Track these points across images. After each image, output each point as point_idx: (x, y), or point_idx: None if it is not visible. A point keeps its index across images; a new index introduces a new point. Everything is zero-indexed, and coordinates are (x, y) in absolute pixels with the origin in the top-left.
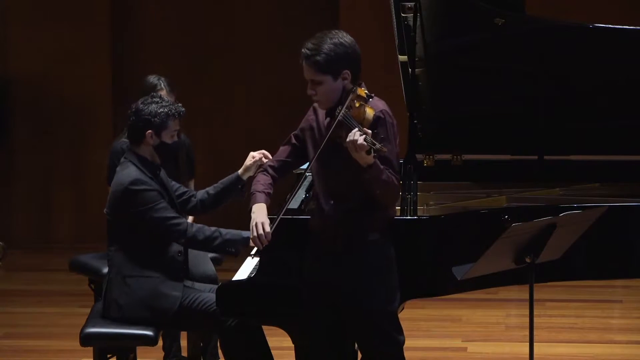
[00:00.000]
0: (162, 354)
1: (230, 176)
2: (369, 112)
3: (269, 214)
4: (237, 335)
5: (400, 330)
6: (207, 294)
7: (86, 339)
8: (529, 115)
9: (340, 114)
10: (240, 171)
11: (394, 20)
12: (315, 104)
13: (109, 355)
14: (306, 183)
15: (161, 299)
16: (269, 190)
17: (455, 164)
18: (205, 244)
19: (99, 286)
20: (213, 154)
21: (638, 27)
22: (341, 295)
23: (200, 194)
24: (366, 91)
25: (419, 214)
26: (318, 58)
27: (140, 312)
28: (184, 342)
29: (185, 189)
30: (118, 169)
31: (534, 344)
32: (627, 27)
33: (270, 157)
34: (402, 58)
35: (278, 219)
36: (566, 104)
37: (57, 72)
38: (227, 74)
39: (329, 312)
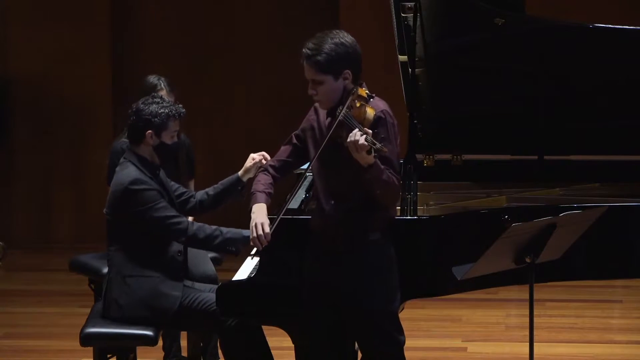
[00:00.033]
0: (162, 354)
1: (230, 177)
2: (370, 112)
3: (269, 214)
4: (237, 335)
5: (400, 330)
6: (207, 293)
7: (86, 339)
8: (529, 115)
9: (341, 114)
10: (240, 173)
11: (394, 20)
12: (316, 104)
13: (109, 355)
14: (306, 183)
15: (161, 298)
16: (270, 190)
17: (455, 164)
18: (206, 243)
19: (99, 286)
20: (213, 154)
21: (638, 27)
22: (341, 295)
23: (200, 194)
24: (367, 91)
25: (419, 214)
26: (319, 58)
27: (140, 312)
28: (184, 342)
29: (184, 190)
30: (117, 169)
31: (534, 344)
32: (627, 27)
33: (270, 159)
34: (402, 58)
35: (278, 219)
36: (566, 104)
37: (57, 72)
38: (227, 74)
39: (329, 312)
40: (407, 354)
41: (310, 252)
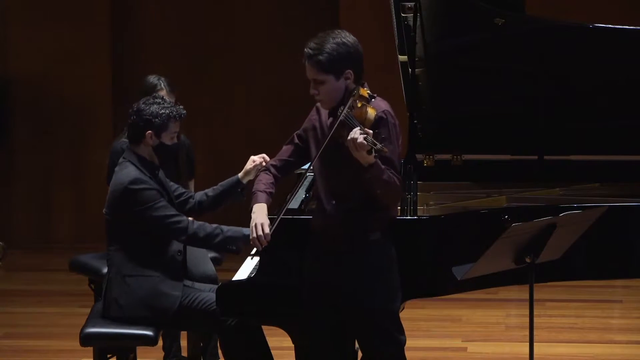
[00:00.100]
0: (162, 354)
1: (230, 179)
2: (371, 112)
3: (269, 214)
4: (237, 335)
5: (401, 330)
6: (207, 293)
7: (86, 339)
8: (529, 115)
9: (342, 114)
10: (240, 175)
11: (394, 20)
12: (318, 104)
13: (109, 355)
14: (306, 183)
15: (161, 298)
16: (271, 190)
17: (455, 164)
18: (206, 241)
19: (99, 286)
20: (213, 154)
21: (638, 27)
22: (342, 295)
23: (199, 195)
24: (368, 91)
25: (419, 214)
26: (320, 57)
27: (140, 312)
28: (184, 342)
29: (184, 190)
30: (117, 169)
31: (534, 344)
32: (627, 27)
33: (272, 158)
34: (402, 58)
35: (278, 219)
36: (566, 104)
37: (57, 72)
38: (227, 74)
39: (330, 312)
40: (407, 354)
41: (310, 252)
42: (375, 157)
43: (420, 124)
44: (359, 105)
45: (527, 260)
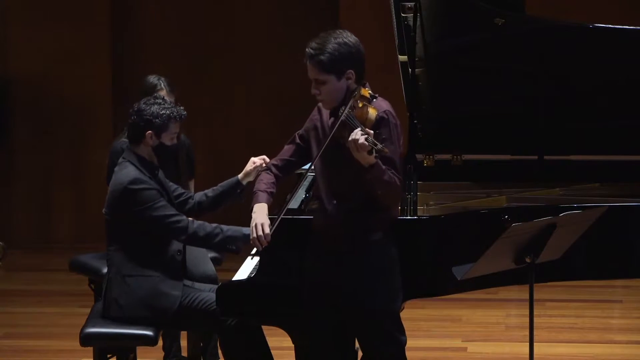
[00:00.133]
0: (162, 354)
1: (229, 180)
2: (372, 113)
3: (269, 214)
4: (237, 335)
5: (402, 331)
6: (207, 293)
7: (86, 339)
8: (529, 115)
9: (343, 114)
10: (240, 176)
11: (394, 20)
12: (320, 104)
13: (109, 355)
14: (306, 183)
15: (161, 298)
16: (272, 190)
17: (455, 164)
18: (206, 241)
19: (99, 286)
20: (213, 154)
21: (638, 27)
22: (343, 295)
23: (199, 196)
24: (370, 91)
25: (419, 214)
26: (322, 57)
27: (140, 312)
28: (184, 342)
29: (183, 190)
30: (116, 169)
31: (534, 344)
32: (627, 27)
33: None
34: (402, 58)
35: (278, 220)
36: (566, 104)
37: (57, 72)
38: (227, 74)
39: (331, 312)
40: (407, 354)
41: (311, 252)
42: (376, 157)
43: (420, 124)
44: (360, 105)
45: (527, 260)
